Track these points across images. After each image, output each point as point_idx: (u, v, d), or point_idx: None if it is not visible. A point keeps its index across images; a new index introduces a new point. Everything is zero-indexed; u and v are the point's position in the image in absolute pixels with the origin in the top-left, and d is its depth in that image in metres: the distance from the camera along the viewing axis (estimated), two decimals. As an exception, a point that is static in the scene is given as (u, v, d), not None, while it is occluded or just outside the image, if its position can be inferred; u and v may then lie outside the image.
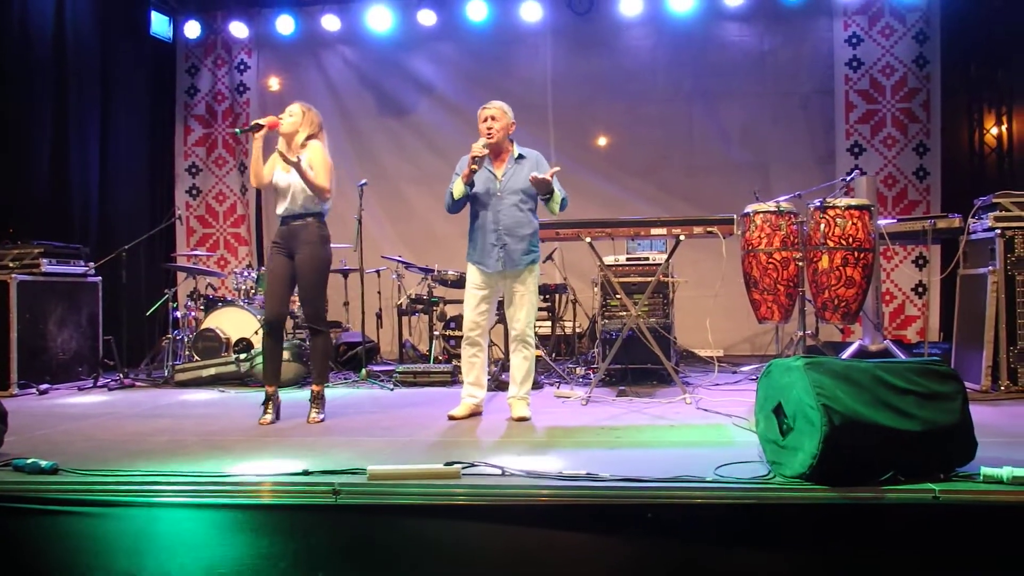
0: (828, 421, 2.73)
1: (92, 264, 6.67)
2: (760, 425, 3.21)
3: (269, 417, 4.55)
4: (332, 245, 6.83)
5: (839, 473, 2.77)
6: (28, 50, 6.96)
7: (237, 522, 2.95)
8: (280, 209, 4.59)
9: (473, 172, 4.43)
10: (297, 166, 4.37)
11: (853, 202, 5.44)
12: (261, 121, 4.47)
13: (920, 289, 7.64)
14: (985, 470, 2.77)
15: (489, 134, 4.46)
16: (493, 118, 4.48)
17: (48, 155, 7.20)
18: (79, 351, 6.52)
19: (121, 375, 6.46)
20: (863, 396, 2.83)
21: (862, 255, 5.33)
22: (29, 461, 3.24)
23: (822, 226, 5.36)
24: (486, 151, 4.42)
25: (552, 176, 4.39)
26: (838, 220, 5.33)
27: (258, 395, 5.66)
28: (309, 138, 4.59)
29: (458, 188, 4.49)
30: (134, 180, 8.40)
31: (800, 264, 5.56)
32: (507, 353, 5.00)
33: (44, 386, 5.99)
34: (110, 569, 2.97)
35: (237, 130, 4.45)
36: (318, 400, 4.64)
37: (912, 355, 6.28)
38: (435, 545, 2.84)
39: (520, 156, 4.56)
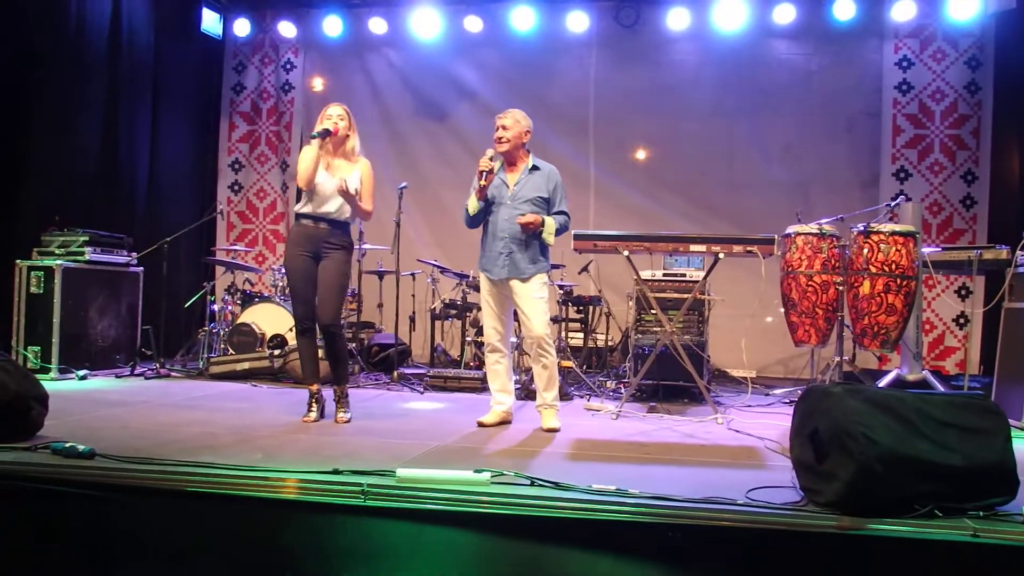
0: (865, 450, 2.68)
1: (135, 254, 6.79)
2: (795, 450, 3.15)
3: (314, 415, 4.57)
4: (370, 247, 6.92)
5: (874, 504, 2.71)
6: (83, 44, 7.11)
7: (265, 516, 2.97)
8: (318, 208, 4.53)
9: (484, 188, 4.46)
10: (353, 200, 4.48)
11: (898, 228, 5.34)
12: (329, 127, 4.48)
13: (961, 320, 7.48)
14: (1027, 510, 2.71)
15: (499, 141, 4.50)
16: (505, 127, 4.51)
17: (99, 146, 7.35)
18: (118, 339, 6.63)
19: (157, 365, 6.57)
20: (903, 427, 2.77)
21: (904, 282, 5.23)
22: (67, 445, 3.31)
23: (865, 251, 5.27)
24: (492, 164, 4.44)
25: (533, 224, 4.38)
26: (882, 245, 5.24)
27: (291, 391, 5.75)
28: (352, 148, 4.62)
29: (472, 204, 4.54)
30: (180, 173, 8.55)
31: (840, 288, 5.47)
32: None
33: (83, 372, 6.10)
34: (142, 555, 3.01)
35: (314, 134, 4.48)
36: (344, 399, 4.66)
37: (950, 387, 6.15)
38: (459, 553, 2.84)
39: (535, 167, 4.57)
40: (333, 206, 4.54)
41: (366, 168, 4.66)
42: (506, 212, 4.49)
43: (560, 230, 4.54)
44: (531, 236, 4.47)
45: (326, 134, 4.46)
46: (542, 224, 4.42)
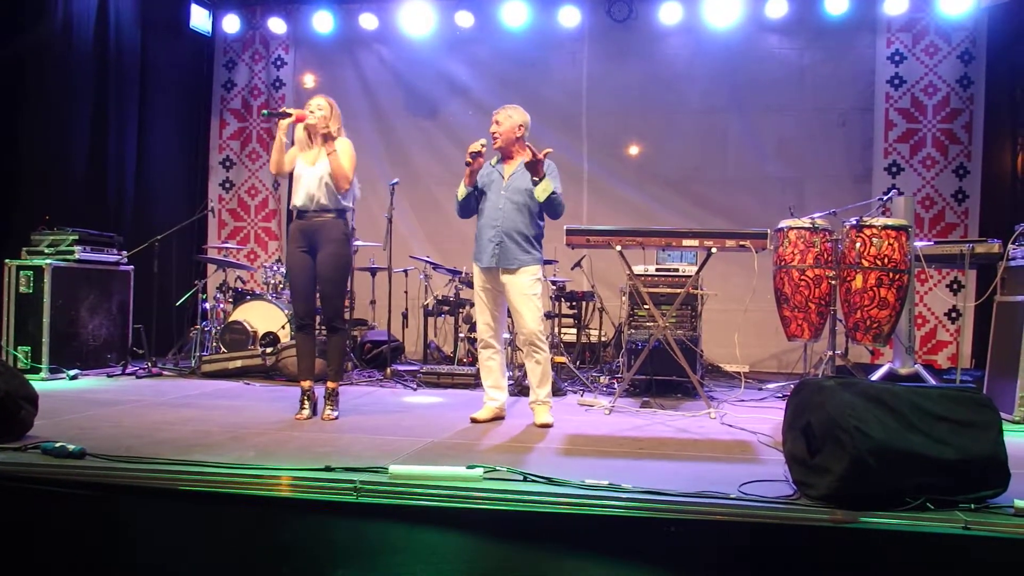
0: (858, 443, 2.68)
1: (125, 253, 6.75)
2: (787, 444, 3.15)
3: (306, 412, 4.56)
4: (362, 243, 6.88)
5: (867, 497, 2.72)
6: (70, 42, 7.06)
7: (258, 514, 2.96)
8: (299, 201, 4.55)
9: (471, 171, 4.48)
10: (333, 154, 4.47)
11: (890, 222, 5.35)
12: (290, 111, 4.50)
13: (953, 314, 7.50)
14: (1018, 502, 2.71)
15: (493, 137, 4.53)
16: (497, 123, 4.54)
17: (87, 144, 7.30)
18: (109, 338, 6.60)
19: (149, 364, 6.54)
20: (896, 420, 2.77)
21: (897, 276, 5.24)
22: (57, 445, 3.28)
23: (857, 245, 5.28)
24: (480, 149, 4.45)
25: (544, 155, 4.34)
26: (874, 240, 5.24)
27: (283, 389, 5.73)
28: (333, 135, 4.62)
29: (460, 190, 4.56)
30: (169, 172, 8.50)
31: (833, 282, 5.48)
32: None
33: (74, 371, 6.07)
34: (134, 554, 3.00)
35: (265, 112, 4.48)
36: (333, 397, 4.65)
37: (943, 381, 6.16)
38: (452, 549, 2.83)
39: None
40: (317, 198, 4.51)
41: (343, 144, 4.58)
42: (500, 202, 4.50)
43: (555, 200, 4.43)
44: (527, 225, 4.47)
45: (283, 115, 4.47)
46: (542, 172, 4.35)
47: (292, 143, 4.63)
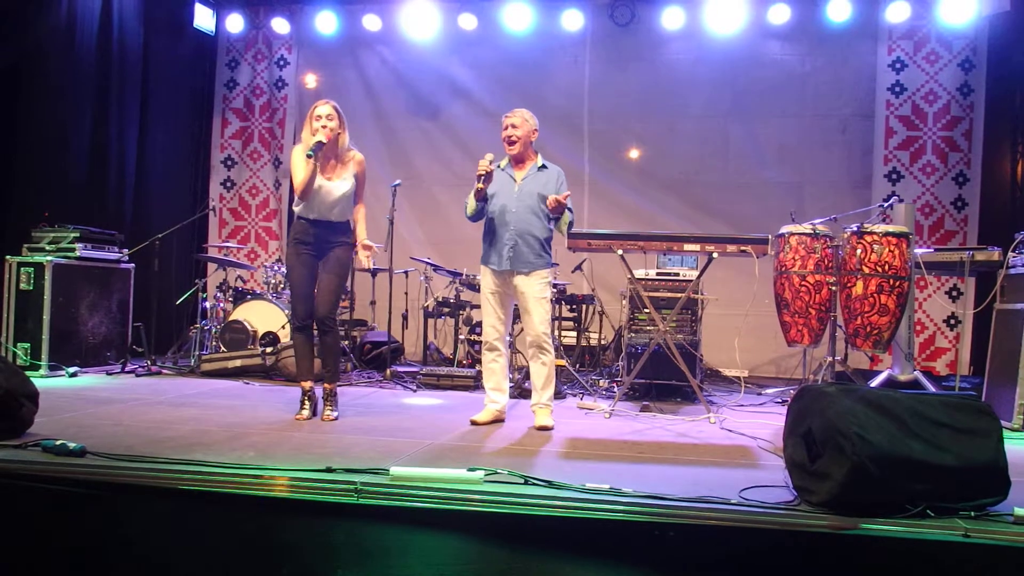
0: (859, 450, 2.69)
1: (126, 251, 6.75)
2: (788, 449, 3.16)
3: (306, 413, 4.58)
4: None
5: (867, 503, 2.72)
6: (73, 40, 7.06)
7: (258, 515, 2.96)
8: (313, 213, 4.57)
9: (481, 188, 4.50)
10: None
11: (891, 229, 5.36)
12: (323, 139, 4.44)
13: (952, 321, 7.51)
14: (1018, 510, 2.71)
15: (510, 141, 4.56)
16: (514, 126, 4.57)
17: (88, 142, 7.29)
18: (109, 336, 6.60)
19: (149, 362, 6.54)
20: (897, 427, 2.78)
21: (897, 283, 5.25)
22: (58, 443, 3.28)
23: (858, 251, 5.29)
24: (492, 168, 4.50)
25: (566, 199, 4.46)
26: (875, 246, 5.25)
27: (283, 389, 5.73)
28: (343, 145, 4.63)
29: (470, 205, 4.61)
30: (170, 170, 8.50)
31: (833, 288, 5.49)
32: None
33: (73, 369, 6.07)
34: (134, 553, 2.99)
35: (309, 152, 4.42)
36: (332, 398, 4.66)
37: (941, 388, 6.17)
38: (452, 551, 2.83)
39: (543, 166, 4.63)
40: (335, 214, 4.59)
41: (360, 166, 4.69)
42: (512, 205, 4.53)
43: (570, 226, 4.62)
44: (540, 228, 4.53)
45: (320, 147, 4.44)
46: (566, 207, 4.48)
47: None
